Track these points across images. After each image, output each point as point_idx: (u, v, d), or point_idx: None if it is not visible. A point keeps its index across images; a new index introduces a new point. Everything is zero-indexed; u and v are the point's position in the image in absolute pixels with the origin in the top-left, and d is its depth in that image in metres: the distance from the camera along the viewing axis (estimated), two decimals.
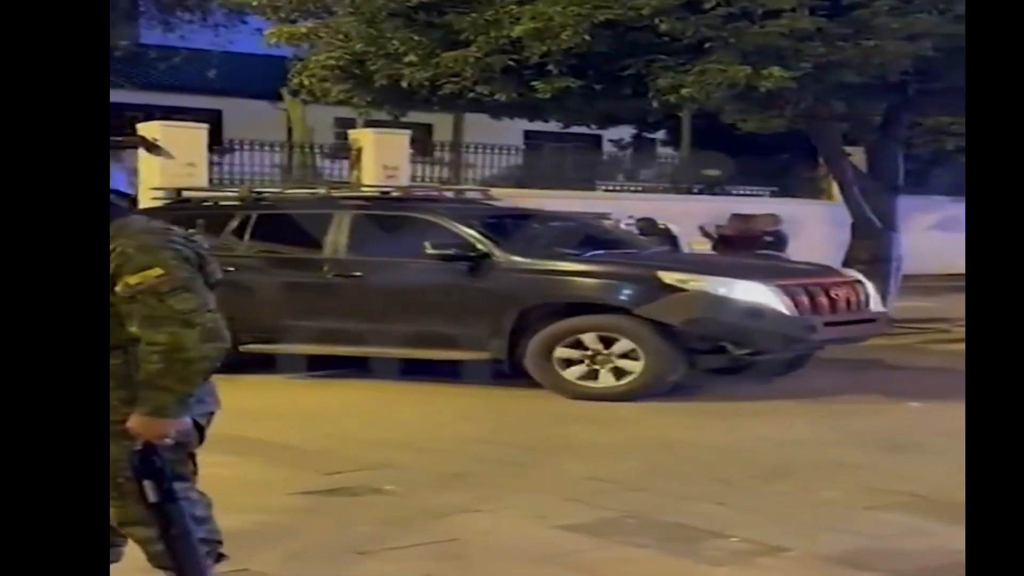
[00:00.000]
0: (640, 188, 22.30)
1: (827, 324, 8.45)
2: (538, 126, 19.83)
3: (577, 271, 8.68)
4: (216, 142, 19.36)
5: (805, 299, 8.34)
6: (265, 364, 9.37)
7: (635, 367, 8.24)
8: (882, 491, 5.55)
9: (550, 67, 10.90)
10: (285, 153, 18.82)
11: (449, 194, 11.03)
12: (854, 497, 5.44)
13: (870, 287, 9.20)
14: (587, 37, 10.52)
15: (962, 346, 9.90)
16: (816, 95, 11.79)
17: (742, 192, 21.27)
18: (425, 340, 8.73)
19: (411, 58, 11.27)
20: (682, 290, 8.28)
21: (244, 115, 21.89)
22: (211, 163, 16.27)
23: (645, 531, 4.85)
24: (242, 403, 8.40)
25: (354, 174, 16.81)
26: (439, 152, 21.64)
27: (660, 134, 25.44)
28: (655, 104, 11.19)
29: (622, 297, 8.39)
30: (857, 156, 15.37)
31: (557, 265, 8.74)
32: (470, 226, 8.90)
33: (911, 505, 5.30)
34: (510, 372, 8.57)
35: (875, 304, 9.21)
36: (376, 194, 10.38)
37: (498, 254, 8.67)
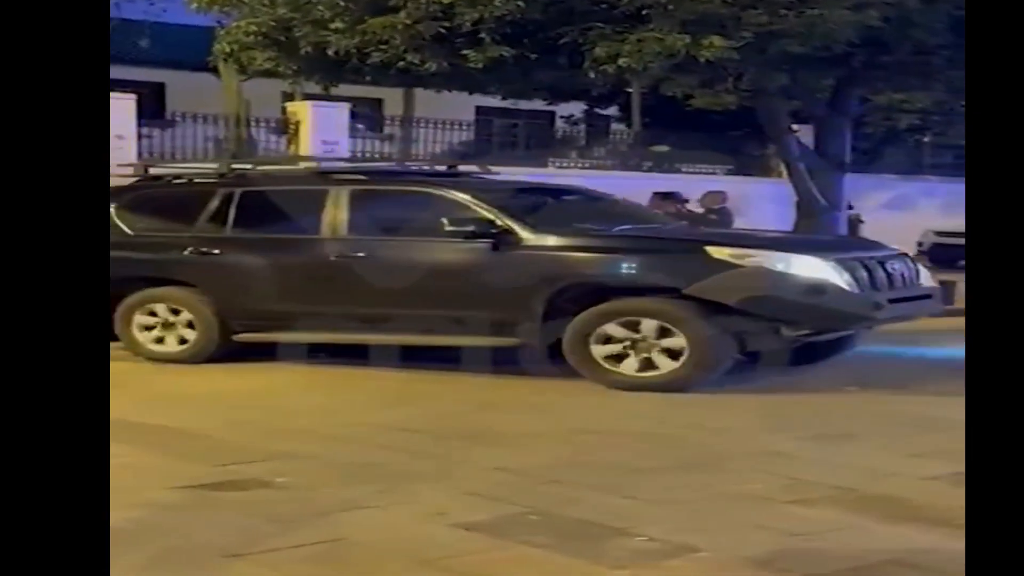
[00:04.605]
0: (589, 165, 21.93)
1: (890, 301, 7.88)
2: (490, 102, 19.49)
3: (614, 247, 7.99)
4: (159, 115, 18.80)
5: (864, 274, 7.79)
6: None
7: (682, 353, 7.58)
8: (809, 483, 5.20)
9: (483, 35, 10.47)
10: (225, 127, 18.28)
11: (441, 168, 10.24)
12: (778, 490, 5.08)
13: (916, 262, 8.67)
14: (521, 3, 10.09)
15: (905, 327, 9.37)
16: (758, 67, 11.43)
17: (693, 170, 20.95)
18: (444, 326, 8.13)
19: (337, 24, 10.80)
20: (736, 266, 7.61)
21: (189, 88, 21.31)
22: (141, 136, 15.69)
23: (547, 529, 4.46)
24: (160, 388, 8.04)
25: (291, 148, 16.32)
26: (389, 127, 21.22)
27: (612, 110, 25.11)
28: (592, 75, 10.79)
29: (670, 276, 7.70)
30: (807, 135, 15.10)
31: (590, 242, 8.05)
32: (486, 201, 8.23)
33: (838, 499, 4.94)
34: (545, 359, 7.94)
35: (925, 279, 8.64)
36: (372, 168, 9.77)
37: (522, 231, 8.02)
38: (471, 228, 8.03)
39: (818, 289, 7.59)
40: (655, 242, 8.17)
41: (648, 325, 7.68)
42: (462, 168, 10.06)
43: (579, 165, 22.01)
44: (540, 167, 20.20)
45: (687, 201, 13.68)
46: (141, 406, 7.07)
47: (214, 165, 10.18)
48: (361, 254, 8.41)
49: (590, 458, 5.82)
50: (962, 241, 9.53)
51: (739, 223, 13.46)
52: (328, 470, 5.50)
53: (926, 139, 22.45)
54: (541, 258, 7.93)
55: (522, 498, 4.91)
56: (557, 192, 9.53)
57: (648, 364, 7.70)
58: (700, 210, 13.63)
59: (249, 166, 10.04)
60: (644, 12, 10.22)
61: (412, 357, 8.46)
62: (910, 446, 6.04)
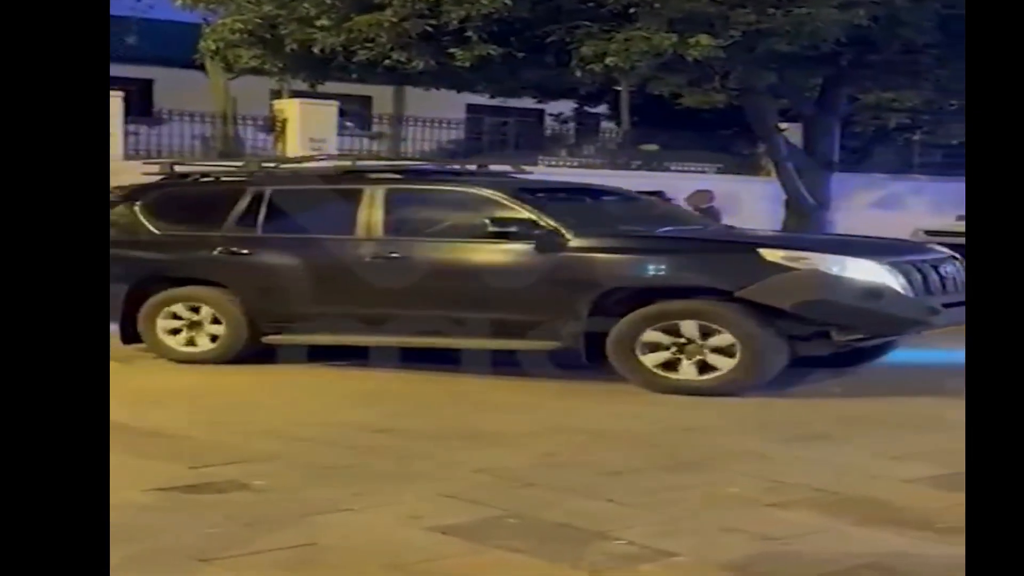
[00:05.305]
0: (578, 163, 21.88)
1: (944, 306, 7.66)
2: (481, 100, 19.40)
3: (663, 249, 7.82)
4: (147, 112, 18.71)
5: (919, 277, 7.64)
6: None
7: (731, 357, 7.44)
8: (790, 486, 5.16)
9: (469, 33, 10.42)
10: (213, 125, 18.20)
11: (471, 167, 9.88)
12: (759, 493, 5.04)
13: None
14: (508, 2, 10.04)
15: None
16: (746, 65, 11.41)
17: (682, 168, 20.91)
18: (481, 329, 7.97)
19: (323, 22, 10.75)
20: (790, 269, 7.44)
21: (177, 84, 21.25)
22: (127, 133, 15.63)
23: (525, 532, 4.42)
24: (150, 387, 7.96)
25: (278, 146, 16.26)
26: (377, 124, 21.16)
27: (601, 108, 25.07)
28: (579, 74, 10.75)
29: (722, 278, 7.52)
30: (796, 134, 15.09)
31: (638, 243, 7.91)
32: (528, 201, 8.08)
33: (818, 501, 4.91)
34: (587, 363, 7.83)
35: None
36: (406, 167, 9.53)
37: (567, 232, 7.85)
38: (514, 229, 7.88)
39: (875, 293, 7.43)
40: (706, 244, 8.05)
41: (713, 332, 7.51)
42: (493, 167, 9.85)
43: (568, 164, 21.97)
44: (530, 165, 20.15)
45: (671, 200, 13.64)
46: (126, 406, 7.00)
47: (241, 163, 10.01)
48: (397, 255, 8.26)
49: (572, 460, 5.78)
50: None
51: (727, 222, 13.42)
52: (308, 471, 5.45)
53: (915, 138, 22.40)
54: (588, 260, 7.77)
55: (502, 501, 4.87)
56: (596, 192, 9.39)
57: (695, 368, 7.57)
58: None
59: (273, 164, 9.86)
60: (631, 11, 10.20)
61: (413, 358, 8.39)
62: (894, 448, 6.01)
